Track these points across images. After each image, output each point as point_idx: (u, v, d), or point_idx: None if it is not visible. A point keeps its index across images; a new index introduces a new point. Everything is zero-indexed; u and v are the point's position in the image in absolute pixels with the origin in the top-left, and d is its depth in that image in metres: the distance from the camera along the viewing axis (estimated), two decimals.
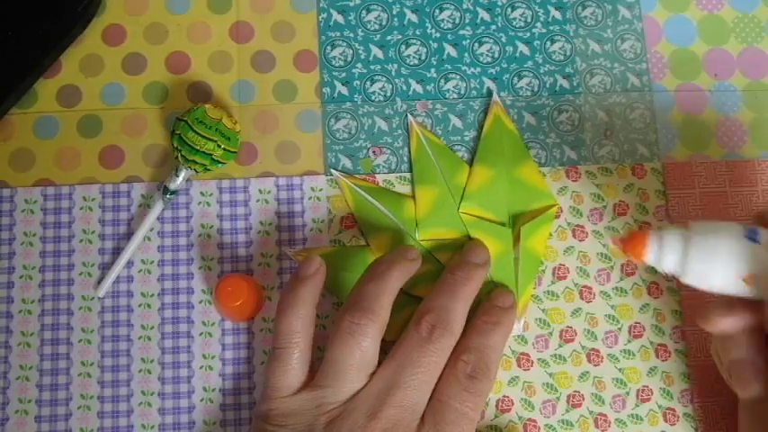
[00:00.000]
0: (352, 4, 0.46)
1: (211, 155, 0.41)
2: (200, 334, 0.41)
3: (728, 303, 0.35)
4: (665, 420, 0.41)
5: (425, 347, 0.36)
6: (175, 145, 0.41)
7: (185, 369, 0.41)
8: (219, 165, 0.42)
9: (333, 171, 0.43)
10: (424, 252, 0.42)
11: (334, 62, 0.45)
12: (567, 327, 0.42)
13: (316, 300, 0.38)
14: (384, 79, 0.45)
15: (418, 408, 0.35)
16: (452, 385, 0.36)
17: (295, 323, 0.37)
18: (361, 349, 0.35)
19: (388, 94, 0.45)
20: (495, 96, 0.45)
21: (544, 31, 0.46)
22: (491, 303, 0.39)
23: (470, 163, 0.44)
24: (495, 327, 0.38)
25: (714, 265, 0.34)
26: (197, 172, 0.42)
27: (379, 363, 0.37)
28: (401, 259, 0.38)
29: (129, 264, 0.42)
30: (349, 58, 0.45)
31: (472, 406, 0.36)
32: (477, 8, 0.47)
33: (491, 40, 0.46)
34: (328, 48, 0.46)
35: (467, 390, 0.36)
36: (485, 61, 0.46)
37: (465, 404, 0.35)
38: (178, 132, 0.41)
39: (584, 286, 0.42)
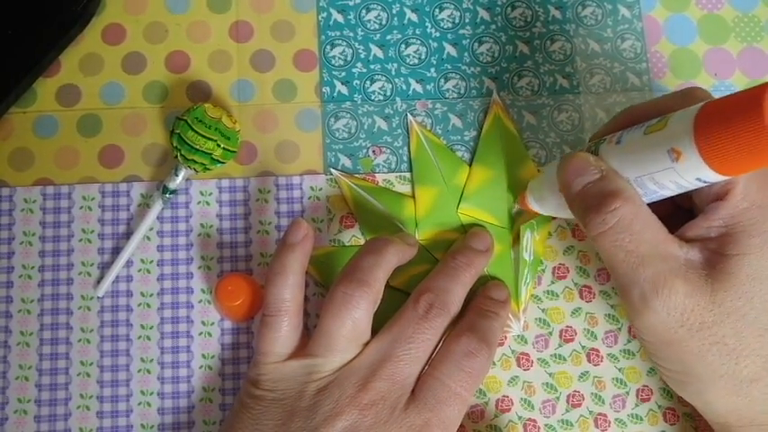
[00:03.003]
0: (351, 3, 0.46)
1: (211, 154, 0.41)
2: (200, 334, 0.41)
3: None
4: (665, 420, 0.41)
5: (421, 324, 0.36)
6: (175, 144, 0.41)
7: (185, 369, 0.41)
8: (219, 164, 0.42)
9: (332, 170, 0.43)
10: (423, 252, 0.42)
11: (333, 61, 0.45)
12: (567, 326, 0.42)
13: (304, 266, 0.38)
14: (384, 79, 0.45)
15: (408, 382, 0.35)
16: (448, 363, 0.36)
17: (284, 291, 0.37)
18: (353, 320, 0.35)
19: (388, 93, 0.45)
20: (494, 95, 0.45)
21: (544, 30, 0.46)
22: (486, 294, 0.40)
23: (470, 163, 0.44)
24: (494, 315, 0.38)
25: (544, 186, 0.38)
26: (196, 171, 0.42)
27: (373, 335, 0.37)
28: (399, 240, 0.38)
29: (129, 263, 0.42)
30: (349, 58, 0.45)
31: (466, 386, 0.35)
32: (477, 7, 0.47)
33: (491, 40, 0.46)
34: (328, 47, 0.46)
35: (462, 369, 0.35)
36: (485, 61, 0.46)
37: (459, 384, 0.35)
38: (177, 132, 0.41)
39: (584, 286, 0.42)
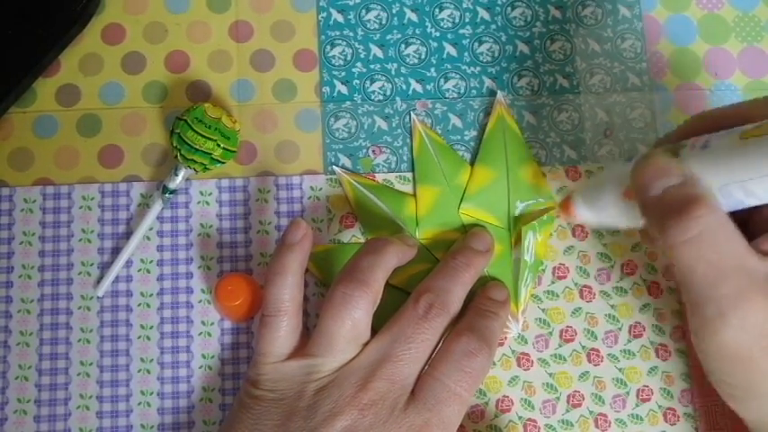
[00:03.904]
0: (351, 3, 0.46)
1: (211, 154, 0.41)
2: (200, 334, 0.41)
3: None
4: (666, 420, 0.41)
5: (420, 324, 0.36)
6: (175, 144, 0.41)
7: (184, 369, 0.41)
8: (219, 164, 0.42)
9: (335, 168, 0.43)
10: (423, 251, 0.42)
11: (333, 61, 0.45)
12: (567, 326, 0.42)
13: (303, 266, 0.38)
14: (384, 78, 0.45)
15: (407, 383, 0.35)
16: (448, 363, 0.36)
17: (283, 291, 0.37)
18: (352, 320, 0.35)
19: (388, 93, 0.45)
20: (498, 95, 0.45)
21: (544, 30, 0.46)
22: (486, 295, 0.39)
23: (472, 162, 0.44)
24: (494, 315, 0.38)
25: (603, 191, 0.36)
26: (196, 171, 0.42)
27: (373, 335, 0.37)
28: (399, 241, 0.38)
29: (129, 263, 0.42)
30: (349, 58, 0.45)
31: (466, 387, 0.35)
32: (477, 7, 0.47)
33: (491, 40, 0.46)
34: (328, 47, 0.46)
35: (462, 369, 0.35)
36: (485, 60, 0.46)
37: (459, 384, 0.35)
38: (177, 131, 0.41)
39: (585, 286, 0.42)
